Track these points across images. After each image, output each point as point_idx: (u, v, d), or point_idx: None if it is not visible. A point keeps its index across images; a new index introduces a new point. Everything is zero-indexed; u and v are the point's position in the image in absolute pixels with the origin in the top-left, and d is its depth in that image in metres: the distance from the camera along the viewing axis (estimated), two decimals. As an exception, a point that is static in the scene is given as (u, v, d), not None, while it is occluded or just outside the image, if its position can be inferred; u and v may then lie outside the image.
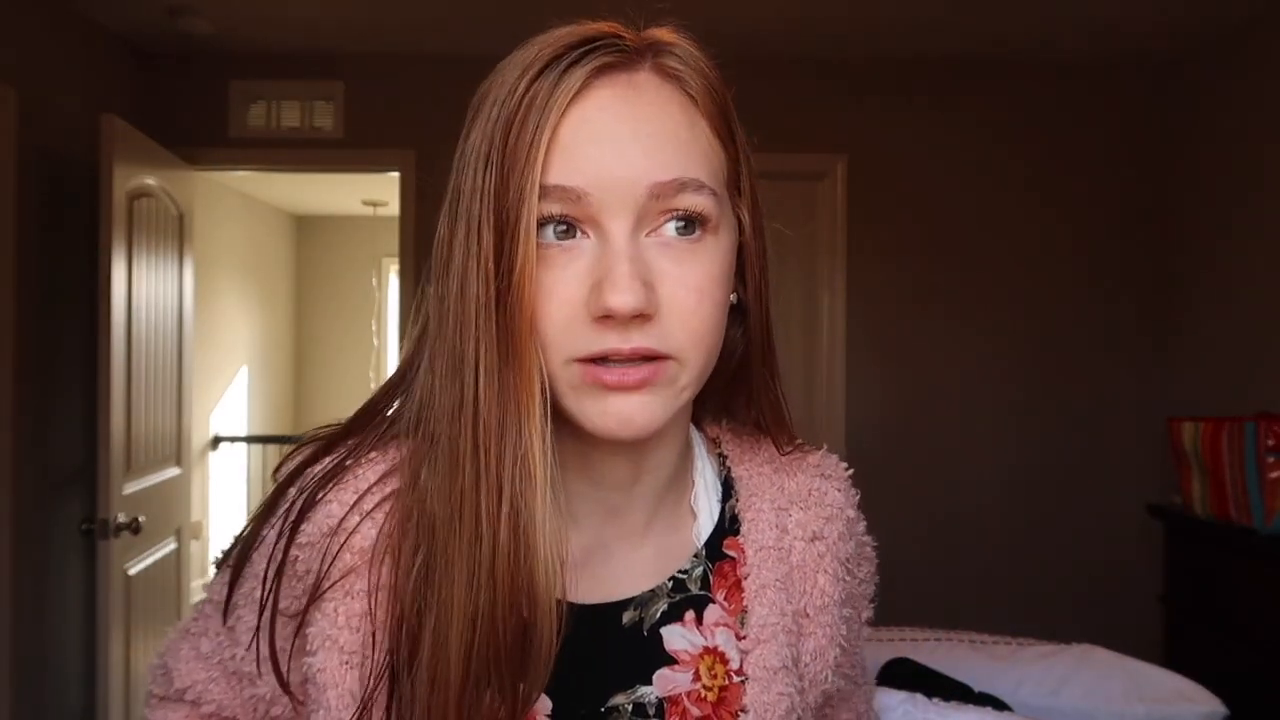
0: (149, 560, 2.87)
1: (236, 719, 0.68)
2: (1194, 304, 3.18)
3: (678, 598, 0.65)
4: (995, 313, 3.37)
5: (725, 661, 0.64)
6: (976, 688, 1.61)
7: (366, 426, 0.64)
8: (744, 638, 0.65)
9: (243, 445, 5.80)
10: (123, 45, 3.18)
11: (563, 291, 0.53)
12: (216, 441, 5.55)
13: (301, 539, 0.60)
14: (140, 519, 2.70)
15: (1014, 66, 3.36)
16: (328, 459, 0.62)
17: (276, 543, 0.61)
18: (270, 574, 0.61)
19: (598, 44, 0.55)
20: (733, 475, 0.70)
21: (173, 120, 3.28)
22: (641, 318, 0.53)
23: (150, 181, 2.89)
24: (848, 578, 0.68)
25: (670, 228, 0.55)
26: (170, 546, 3.06)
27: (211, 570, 5.49)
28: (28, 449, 2.58)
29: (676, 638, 0.64)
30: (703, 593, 0.66)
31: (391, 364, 6.50)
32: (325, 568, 0.58)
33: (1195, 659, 2.51)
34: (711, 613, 0.65)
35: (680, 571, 0.66)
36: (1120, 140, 3.38)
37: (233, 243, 5.75)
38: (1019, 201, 3.37)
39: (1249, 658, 2.35)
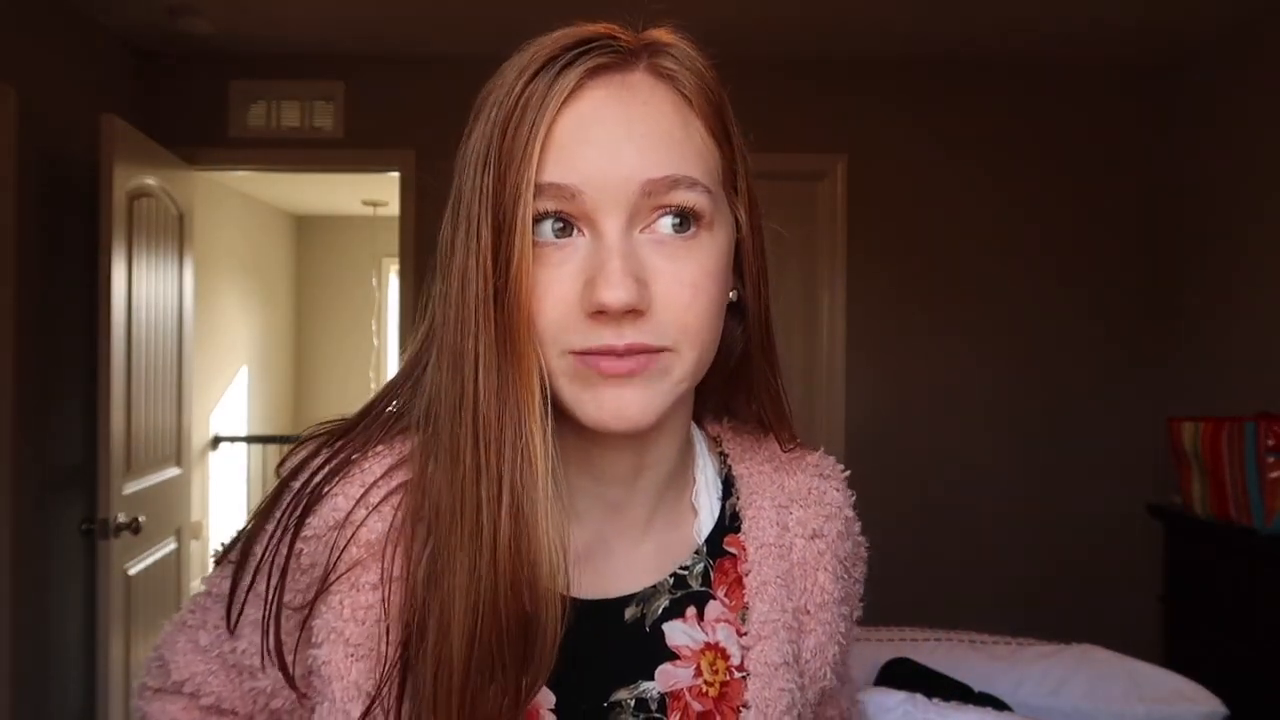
0: (149, 560, 2.87)
1: (236, 711, 0.68)
2: (1194, 304, 3.18)
3: (679, 594, 0.66)
4: (995, 312, 3.37)
5: (726, 657, 0.65)
6: (976, 688, 1.61)
7: (371, 423, 0.64)
8: (745, 634, 0.65)
9: (243, 445, 5.80)
10: (123, 45, 3.18)
11: (557, 288, 0.54)
12: (216, 441, 5.55)
13: (307, 532, 0.60)
14: (140, 519, 2.70)
15: (1014, 67, 3.36)
16: (332, 453, 0.62)
17: (281, 537, 0.61)
18: (275, 568, 0.61)
19: (593, 45, 0.56)
20: (733, 473, 0.70)
21: (173, 120, 3.28)
22: (635, 313, 0.54)
23: (150, 181, 2.89)
24: (845, 576, 0.69)
25: (665, 224, 0.56)
26: (170, 546, 3.06)
27: (211, 567, 5.49)
28: (28, 449, 2.58)
29: (678, 633, 0.65)
30: (704, 589, 0.66)
31: (392, 364, 6.51)
32: (332, 561, 0.59)
33: (1195, 659, 2.51)
34: (713, 609, 0.66)
35: (681, 568, 0.66)
36: (1120, 140, 3.38)
37: (233, 243, 5.75)
38: (1019, 201, 3.37)
39: (1249, 658, 2.35)
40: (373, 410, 0.65)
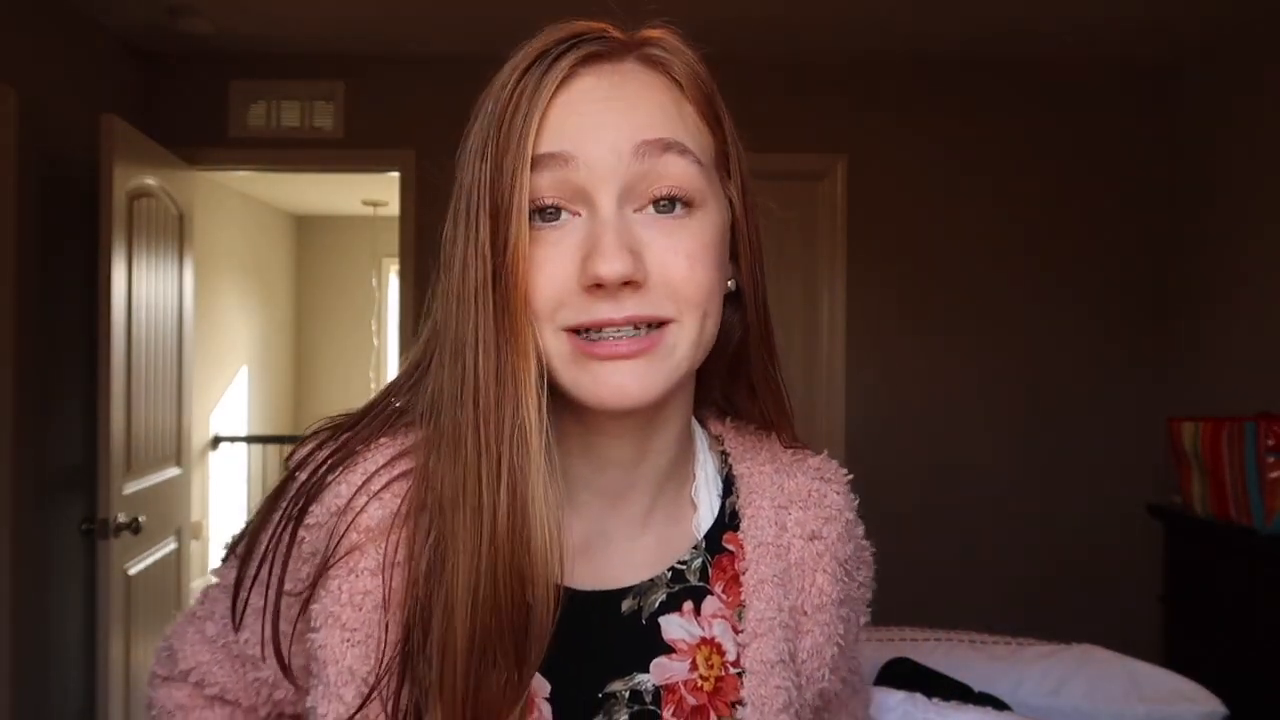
0: (149, 560, 2.87)
1: (239, 702, 0.69)
2: (1194, 304, 3.18)
3: (676, 588, 0.66)
4: (995, 311, 3.37)
5: (722, 653, 0.65)
6: (976, 688, 1.61)
7: (375, 417, 0.65)
8: (741, 631, 0.65)
9: (243, 445, 5.80)
10: (123, 45, 3.18)
11: (553, 267, 0.55)
12: (216, 441, 5.55)
13: (309, 520, 0.61)
14: (140, 519, 2.70)
15: (1014, 67, 3.36)
16: (337, 445, 0.63)
17: (285, 526, 0.62)
18: (278, 557, 0.62)
19: (584, 38, 0.58)
20: (734, 472, 0.70)
21: (173, 120, 3.28)
22: (632, 285, 0.55)
23: (150, 181, 2.89)
24: (846, 579, 0.68)
25: (658, 206, 0.57)
26: (170, 546, 3.06)
27: (214, 565, 5.49)
28: (28, 449, 2.58)
29: (675, 627, 0.65)
30: (701, 584, 0.66)
31: (392, 363, 6.51)
32: (331, 546, 0.59)
33: (1195, 659, 2.51)
34: (709, 604, 0.66)
35: (679, 563, 0.67)
36: (1120, 140, 3.38)
37: (233, 243, 5.75)
38: (1019, 200, 3.37)
39: (1249, 658, 2.35)
40: (377, 405, 0.66)
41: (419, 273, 3.35)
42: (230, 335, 5.73)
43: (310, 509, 0.61)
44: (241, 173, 4.71)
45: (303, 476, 0.63)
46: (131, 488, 2.73)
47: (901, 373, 3.38)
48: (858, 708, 0.79)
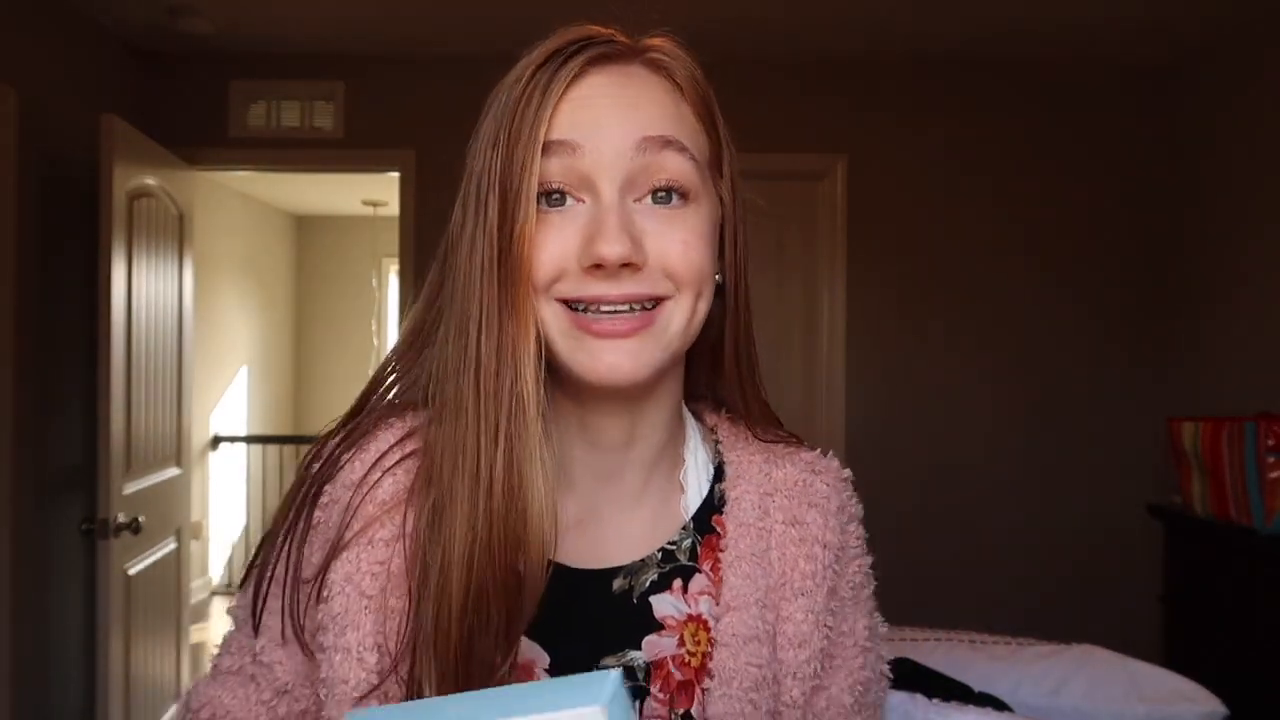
0: (149, 560, 2.87)
1: None
2: (1194, 304, 3.18)
3: (667, 568, 0.68)
4: (995, 311, 3.37)
5: (708, 629, 0.67)
6: (976, 688, 1.61)
7: (379, 401, 0.68)
8: (719, 604, 0.67)
9: (243, 445, 5.80)
10: (123, 45, 3.18)
11: (556, 244, 0.59)
12: (216, 441, 5.55)
13: (324, 499, 0.65)
14: (140, 519, 2.70)
15: (1014, 67, 3.36)
16: (346, 433, 0.67)
17: (301, 510, 0.65)
18: (294, 539, 0.64)
19: (594, 41, 0.62)
20: (725, 460, 0.72)
21: (173, 120, 3.28)
22: (631, 267, 0.59)
23: (150, 181, 2.89)
24: (835, 566, 0.68)
25: (655, 197, 0.61)
26: (170, 546, 3.06)
27: (213, 569, 5.51)
28: (28, 449, 2.58)
29: (665, 605, 0.67)
30: (690, 564, 0.68)
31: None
32: (347, 519, 0.62)
33: (1195, 659, 2.51)
34: (697, 582, 0.68)
35: (670, 543, 0.69)
36: (1120, 141, 3.38)
37: (233, 243, 5.75)
38: (1019, 201, 3.37)
39: (1249, 658, 2.35)
40: (377, 381, 0.69)
41: (419, 272, 3.35)
42: (230, 335, 5.73)
43: (324, 489, 0.64)
44: (241, 173, 4.71)
45: (316, 467, 0.66)
46: (131, 488, 2.73)
47: (901, 373, 3.38)
48: None
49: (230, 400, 5.76)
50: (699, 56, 0.65)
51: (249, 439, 5.84)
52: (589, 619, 0.66)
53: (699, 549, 0.69)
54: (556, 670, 0.64)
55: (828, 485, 0.71)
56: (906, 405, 3.38)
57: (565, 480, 0.66)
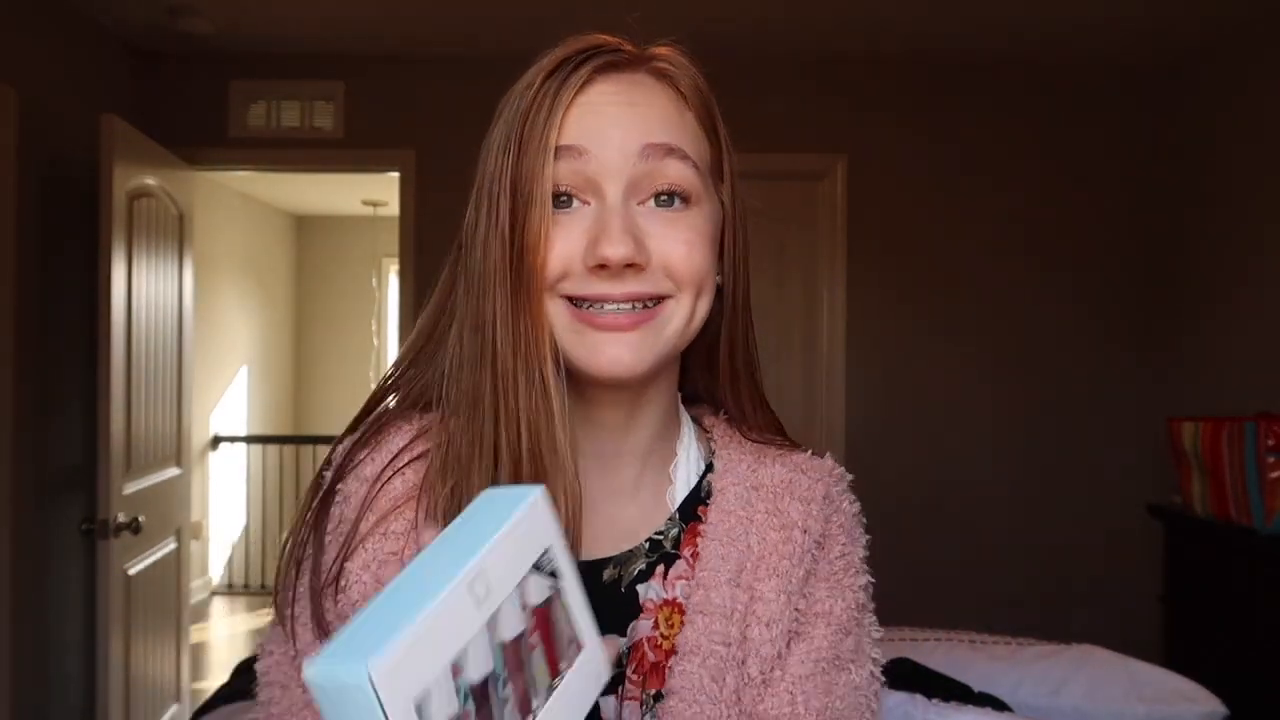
0: (149, 560, 2.87)
1: None
2: (1194, 304, 3.18)
3: (654, 557, 0.70)
4: (995, 312, 3.37)
5: (682, 611, 0.67)
6: (976, 688, 1.61)
7: (391, 400, 0.70)
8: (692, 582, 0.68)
9: (243, 445, 5.80)
10: (123, 45, 3.18)
11: (563, 243, 0.61)
12: (216, 441, 5.55)
13: (338, 498, 0.66)
14: (140, 519, 2.70)
15: (1014, 67, 3.36)
16: (358, 435, 0.69)
17: (318, 510, 0.66)
18: (315, 537, 0.65)
19: (602, 49, 0.64)
20: (716, 457, 0.73)
21: (173, 120, 3.28)
22: (634, 268, 0.61)
23: (150, 181, 2.89)
24: (815, 550, 0.68)
25: (659, 200, 0.63)
26: (170, 546, 3.06)
27: (213, 569, 5.51)
28: (28, 449, 2.58)
29: (647, 591, 0.69)
30: (674, 551, 0.70)
31: (391, 363, 6.50)
32: (363, 512, 0.64)
33: (1195, 659, 2.51)
34: (677, 568, 0.69)
35: (657, 533, 0.70)
36: (1120, 141, 3.38)
37: (233, 243, 5.75)
38: (1018, 201, 3.37)
39: (1249, 658, 2.35)
40: (388, 384, 0.71)
41: (419, 272, 3.35)
42: (230, 335, 5.73)
43: (339, 486, 0.66)
44: (241, 173, 4.71)
45: (329, 472, 0.68)
46: (131, 488, 2.73)
47: (901, 372, 3.38)
48: None
49: (230, 400, 5.76)
50: (702, 64, 0.67)
51: (249, 439, 5.84)
52: None
53: (683, 537, 0.70)
54: None
55: (813, 480, 0.71)
56: (906, 405, 3.38)
57: None
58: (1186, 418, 2.62)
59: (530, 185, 0.60)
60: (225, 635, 4.86)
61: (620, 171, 0.61)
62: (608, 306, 0.61)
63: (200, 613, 5.07)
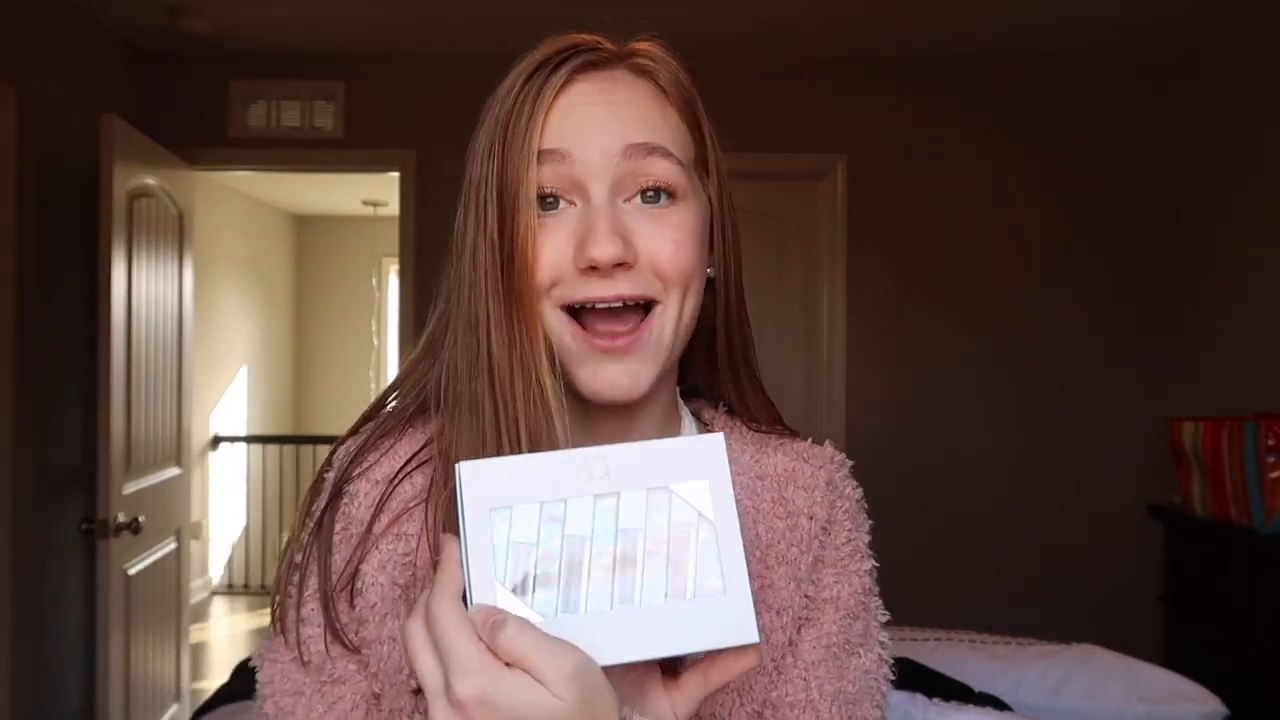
0: (149, 560, 2.87)
1: None
2: (1194, 304, 3.18)
3: None
4: (995, 313, 3.37)
5: None
6: (976, 688, 1.61)
7: (395, 404, 0.70)
8: None
9: (243, 445, 5.80)
10: (123, 45, 3.18)
11: (551, 247, 0.61)
12: (216, 441, 5.55)
13: (346, 499, 0.65)
14: (140, 519, 2.70)
15: (1014, 66, 3.36)
16: (363, 438, 0.68)
17: (324, 514, 0.65)
18: (319, 542, 0.64)
19: (580, 49, 0.64)
20: None
21: (173, 120, 3.28)
22: (623, 266, 0.61)
23: (150, 181, 2.89)
24: (821, 535, 0.68)
25: (644, 197, 0.63)
26: (170, 546, 3.06)
27: (213, 569, 5.51)
28: (28, 449, 2.58)
29: None
30: None
31: (392, 363, 6.51)
32: (376, 514, 0.64)
33: (1195, 659, 2.51)
34: None
35: None
36: (1120, 140, 3.38)
37: (233, 243, 5.75)
38: (1018, 201, 3.37)
39: (1249, 658, 2.35)
40: (394, 386, 0.70)
41: (419, 272, 3.35)
42: (230, 335, 5.73)
43: (346, 488, 0.65)
44: (241, 173, 4.71)
45: (330, 474, 0.67)
46: (131, 488, 2.73)
47: (901, 372, 3.38)
48: None
49: (230, 400, 5.76)
50: (686, 60, 0.67)
51: (249, 439, 5.84)
52: None
53: None
54: None
55: (815, 467, 0.71)
56: (907, 405, 3.38)
57: None
58: (1186, 418, 2.62)
59: (515, 190, 0.60)
60: (225, 635, 4.86)
61: (604, 172, 0.61)
62: (599, 306, 0.62)
63: (200, 613, 5.07)
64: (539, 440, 0.60)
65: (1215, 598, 2.54)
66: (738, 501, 0.62)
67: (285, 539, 0.68)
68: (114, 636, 2.62)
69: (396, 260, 3.60)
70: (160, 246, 2.98)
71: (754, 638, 0.49)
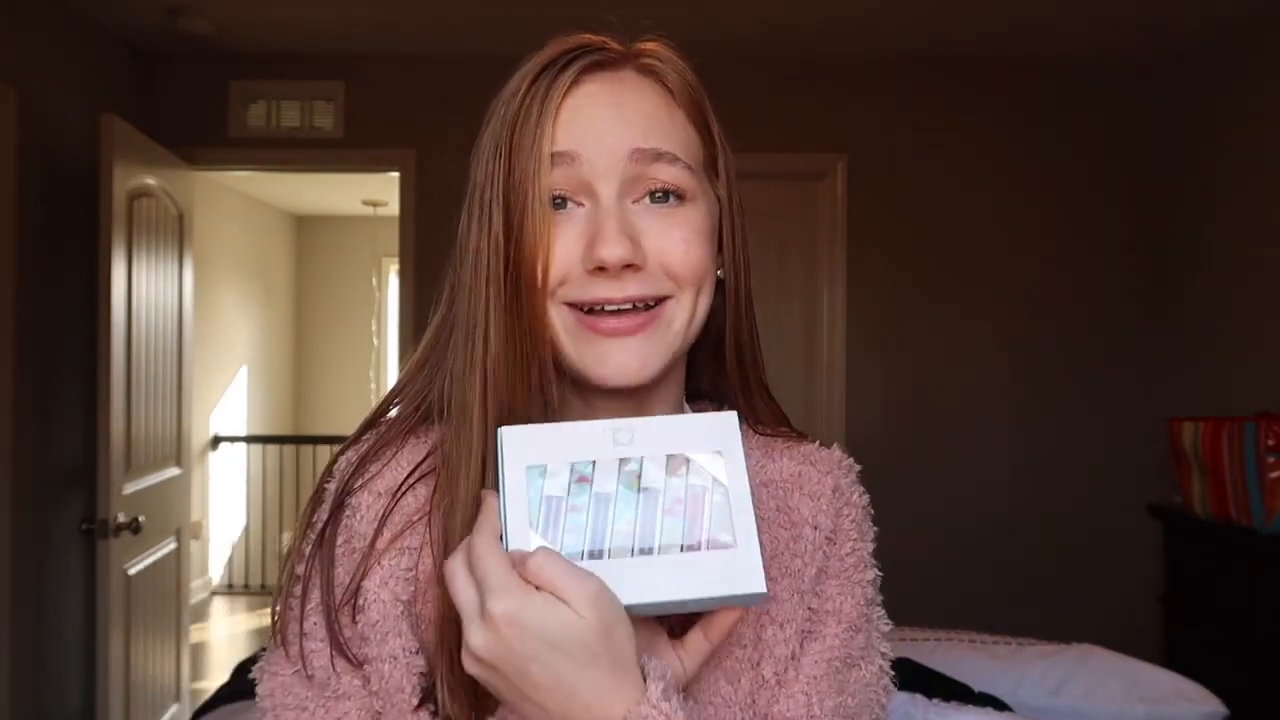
0: (149, 560, 2.87)
1: None
2: (1194, 304, 3.18)
3: None
4: (995, 312, 3.37)
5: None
6: (976, 688, 1.61)
7: (397, 411, 0.69)
8: None
9: (243, 445, 5.80)
10: (123, 45, 3.18)
11: (560, 250, 0.61)
12: (216, 441, 5.55)
13: (347, 513, 0.64)
14: (140, 519, 2.70)
15: (1014, 65, 3.36)
16: (365, 448, 0.67)
17: (326, 525, 0.64)
18: (323, 553, 0.64)
19: (587, 49, 0.64)
20: None
21: (173, 120, 3.28)
22: (632, 268, 0.60)
23: (150, 181, 2.89)
24: (826, 546, 0.67)
25: (653, 197, 0.63)
26: (170, 546, 3.06)
27: (213, 569, 5.51)
28: (28, 449, 2.58)
29: None
30: None
31: (392, 363, 6.51)
32: (380, 527, 0.63)
33: (1195, 659, 2.51)
34: None
35: None
36: (1120, 139, 3.38)
37: (233, 243, 5.75)
38: (1018, 201, 3.37)
39: (1249, 658, 2.35)
40: (395, 392, 0.70)
41: (419, 272, 3.35)
42: (230, 335, 5.73)
43: (348, 500, 0.64)
44: (241, 173, 4.71)
45: (331, 485, 0.66)
46: (131, 488, 2.73)
47: (901, 373, 3.38)
48: None
49: (230, 400, 5.76)
50: (692, 59, 0.66)
51: (249, 439, 5.84)
52: None
53: None
54: None
55: (822, 473, 0.70)
56: (907, 405, 3.38)
57: None
58: (1186, 418, 2.62)
59: (524, 192, 0.60)
60: (225, 635, 4.86)
61: (611, 173, 0.61)
62: (609, 309, 0.61)
63: (200, 613, 5.06)
64: None
65: (1215, 598, 2.54)
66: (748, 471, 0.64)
67: (285, 542, 0.68)
68: (114, 636, 2.62)
69: (396, 260, 3.60)
70: (160, 246, 2.98)
71: (761, 588, 0.53)
